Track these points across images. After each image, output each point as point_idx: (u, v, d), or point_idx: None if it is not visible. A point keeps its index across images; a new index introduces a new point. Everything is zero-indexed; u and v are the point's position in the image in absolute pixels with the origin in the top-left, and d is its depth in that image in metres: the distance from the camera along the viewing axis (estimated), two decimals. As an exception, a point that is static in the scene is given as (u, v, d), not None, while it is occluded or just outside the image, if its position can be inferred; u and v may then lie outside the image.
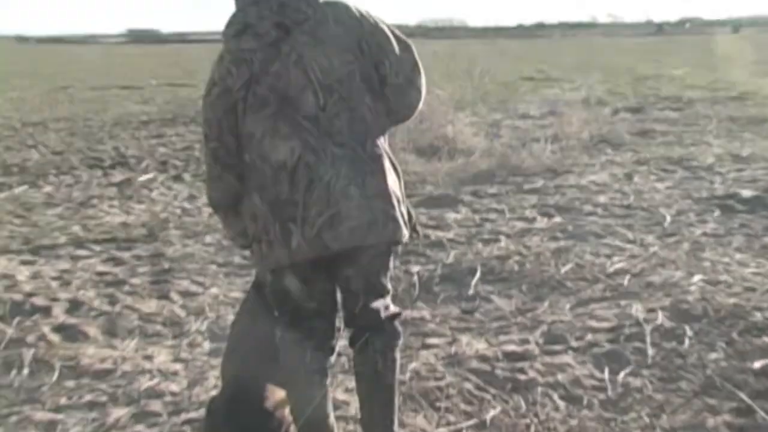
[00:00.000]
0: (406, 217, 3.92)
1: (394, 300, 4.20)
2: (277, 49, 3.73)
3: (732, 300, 6.39)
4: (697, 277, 6.96)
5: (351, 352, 4.57)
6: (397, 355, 4.08)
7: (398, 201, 3.86)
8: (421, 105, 4.05)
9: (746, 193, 10.06)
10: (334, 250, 3.73)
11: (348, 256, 3.82)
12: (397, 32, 3.91)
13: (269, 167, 3.73)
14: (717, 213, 9.22)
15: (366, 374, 4.06)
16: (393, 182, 3.86)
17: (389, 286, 4.05)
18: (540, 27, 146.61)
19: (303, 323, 3.98)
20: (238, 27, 3.81)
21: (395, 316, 4.09)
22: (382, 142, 3.89)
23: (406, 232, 3.89)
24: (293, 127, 3.71)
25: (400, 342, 4.11)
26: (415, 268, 7.34)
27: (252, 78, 3.74)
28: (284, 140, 3.71)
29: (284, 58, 3.72)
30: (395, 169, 3.93)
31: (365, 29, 3.81)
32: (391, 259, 4.01)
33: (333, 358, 4.19)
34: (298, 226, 3.69)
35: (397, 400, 4.17)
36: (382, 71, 3.85)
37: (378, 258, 3.90)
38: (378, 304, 4.00)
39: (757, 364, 5.27)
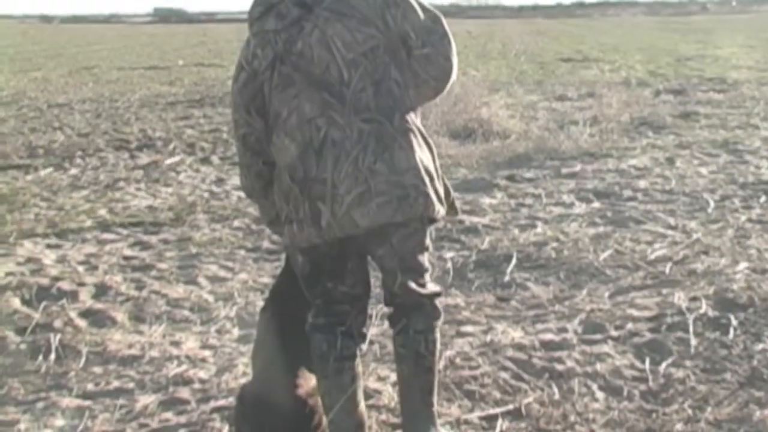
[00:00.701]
0: (441, 193, 3.94)
1: (433, 280, 4.22)
2: (299, 27, 3.78)
3: (779, 289, 6.37)
4: (742, 265, 6.93)
5: (382, 340, 4.60)
6: (438, 335, 4.11)
7: (430, 177, 3.86)
8: (453, 76, 4.01)
9: (794, 177, 10.00)
10: (364, 228, 3.76)
11: (379, 235, 3.84)
12: (425, 3, 3.91)
13: (296, 146, 3.78)
14: (763, 199, 9.16)
15: (407, 356, 4.07)
16: (425, 157, 3.88)
17: (427, 264, 4.06)
18: (579, 5, 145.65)
19: (334, 308, 4.02)
20: (261, 8, 3.89)
21: (435, 295, 4.10)
22: (413, 117, 3.92)
23: (440, 209, 3.91)
24: (319, 104, 3.75)
25: (441, 321, 4.14)
26: (448, 254, 7.34)
27: (276, 58, 3.80)
28: (310, 118, 3.75)
29: (306, 36, 3.77)
30: (428, 144, 3.95)
31: (389, 1, 3.82)
32: (427, 236, 4.01)
33: (365, 346, 4.22)
34: (328, 204, 3.73)
35: (437, 380, 4.19)
36: (409, 42, 3.84)
37: (411, 237, 3.90)
38: (416, 282, 4.00)
39: (805, 355, 5.25)
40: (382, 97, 3.79)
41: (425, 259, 4.04)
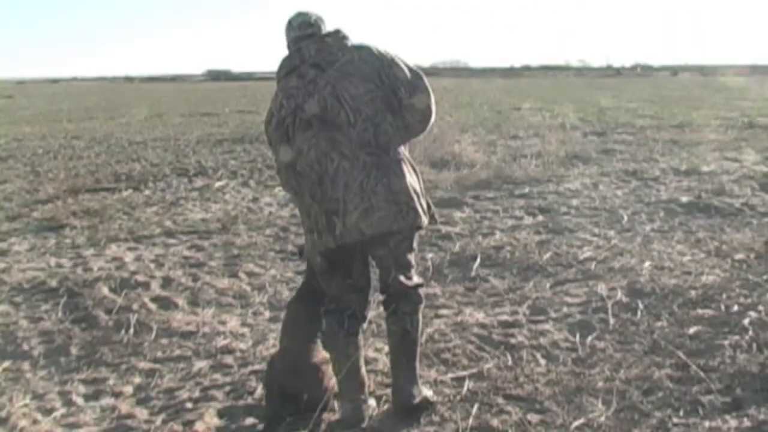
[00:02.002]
0: (425, 207, 4.03)
1: (417, 274, 4.24)
2: (315, 84, 3.87)
3: (673, 281, 6.36)
4: (647, 263, 6.92)
5: (378, 320, 4.59)
6: (420, 316, 4.18)
7: (417, 195, 3.96)
8: (432, 119, 4.10)
9: (684, 198, 9.97)
10: (368, 235, 3.86)
11: (379, 240, 3.93)
12: (411, 65, 4.01)
13: (315, 174, 3.86)
14: (662, 214, 9.14)
15: (396, 332, 4.13)
16: (413, 180, 3.98)
17: (414, 262, 4.15)
18: (526, 68, 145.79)
19: (344, 296, 4.07)
20: (286, 69, 4.02)
21: (419, 285, 4.18)
22: (403, 150, 4.01)
23: (425, 219, 4.00)
24: (332, 142, 3.83)
25: (423, 305, 4.19)
26: (429, 255, 7.31)
27: (297, 107, 3.88)
28: (325, 152, 3.84)
29: (321, 90, 3.85)
30: (414, 170, 4.04)
31: (384, 64, 3.92)
32: (415, 240, 4.11)
33: (365, 325, 4.29)
34: (340, 217, 3.83)
35: (419, 350, 4.24)
36: (399, 94, 3.93)
37: (403, 241, 4.01)
38: (405, 276, 4.08)
39: (692, 330, 5.27)
40: (380, 136, 3.87)
41: (413, 257, 4.13)
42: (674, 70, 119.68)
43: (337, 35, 4.01)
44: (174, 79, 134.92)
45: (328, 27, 4.10)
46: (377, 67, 3.90)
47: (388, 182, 3.85)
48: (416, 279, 4.18)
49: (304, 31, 4.01)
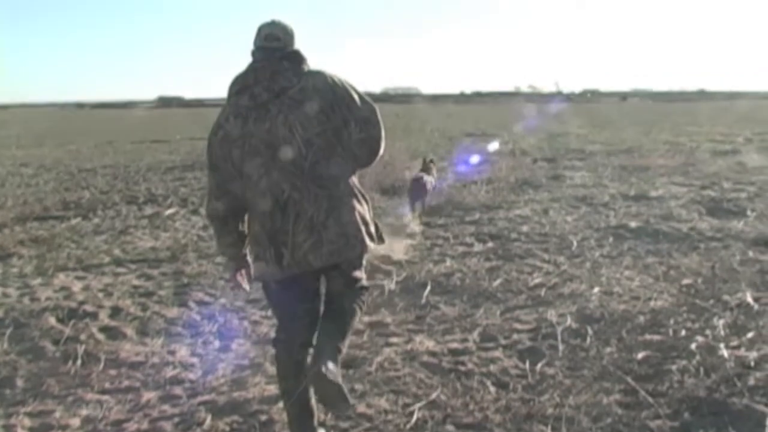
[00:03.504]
0: (373, 232, 4.02)
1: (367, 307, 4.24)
2: (267, 110, 3.80)
3: (622, 306, 6.43)
4: (596, 289, 6.98)
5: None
6: (362, 302, 4.16)
7: (366, 224, 3.95)
8: (381, 153, 4.07)
9: (633, 224, 10.10)
10: (317, 267, 3.84)
11: (331, 267, 3.92)
12: (365, 96, 3.97)
13: (265, 203, 3.80)
14: (611, 239, 9.23)
15: (334, 309, 4.06)
16: (362, 210, 3.96)
17: (363, 275, 4.15)
18: (477, 95, 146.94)
19: (295, 323, 4.02)
20: (238, 87, 3.91)
21: (364, 287, 4.19)
22: (353, 181, 3.98)
23: (372, 244, 3.99)
24: (282, 172, 3.78)
25: (366, 294, 4.21)
26: (380, 283, 7.29)
27: (247, 132, 3.81)
28: (276, 183, 3.78)
29: (273, 118, 3.79)
30: (364, 198, 4.03)
31: (337, 95, 3.86)
32: (364, 261, 4.12)
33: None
34: (289, 249, 3.79)
35: (349, 335, 4.09)
36: (350, 128, 3.89)
37: (353, 264, 4.03)
38: (353, 286, 4.10)
39: (640, 355, 5.31)
40: (330, 168, 3.84)
41: (362, 274, 4.15)
42: (623, 96, 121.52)
43: (295, 58, 3.94)
44: (125, 105, 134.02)
45: (295, 43, 4.02)
46: (330, 99, 3.85)
47: (338, 215, 3.83)
48: (363, 282, 4.17)
49: (269, 43, 3.93)
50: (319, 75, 3.91)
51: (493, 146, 22.46)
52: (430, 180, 11.35)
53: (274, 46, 3.91)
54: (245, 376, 5.22)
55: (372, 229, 4.02)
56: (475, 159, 18.50)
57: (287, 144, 3.78)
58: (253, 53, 3.96)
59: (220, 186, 3.97)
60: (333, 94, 3.86)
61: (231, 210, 3.99)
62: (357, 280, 4.10)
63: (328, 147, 3.84)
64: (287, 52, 3.94)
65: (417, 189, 11.14)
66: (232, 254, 4.12)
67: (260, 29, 3.97)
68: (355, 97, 3.92)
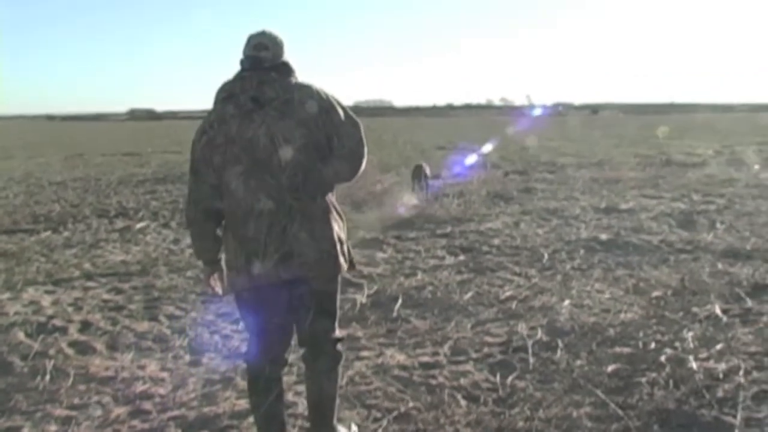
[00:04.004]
0: (346, 254, 3.99)
1: (340, 326, 4.21)
2: (250, 119, 3.78)
3: (593, 319, 6.47)
4: (567, 302, 7.02)
5: (300, 364, 4.57)
6: (340, 370, 4.16)
7: (341, 242, 3.93)
8: (362, 169, 4.03)
9: (603, 236, 10.18)
10: (285, 279, 3.81)
11: (302, 280, 3.86)
12: (350, 112, 3.95)
13: (241, 211, 3.80)
14: (582, 252, 9.29)
15: (314, 389, 4.12)
16: (338, 228, 3.94)
17: (336, 309, 4.10)
18: (450, 108, 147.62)
19: (267, 338, 4.01)
20: (225, 95, 3.91)
21: (339, 340, 4.13)
22: (331, 197, 3.97)
23: (345, 264, 3.96)
24: (261, 182, 3.77)
25: (342, 361, 4.17)
26: (351, 297, 7.28)
27: (228, 140, 3.80)
28: (253, 192, 3.77)
29: (256, 128, 3.77)
30: (340, 216, 4.01)
31: (322, 109, 3.83)
32: (338, 286, 4.06)
33: (286, 369, 4.24)
34: (260, 259, 3.77)
35: (337, 402, 4.20)
36: (332, 143, 3.87)
37: (327, 283, 3.96)
38: (326, 325, 4.03)
39: (610, 368, 5.34)
40: (309, 182, 3.82)
41: (336, 305, 4.09)
42: (594, 109, 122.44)
43: (284, 70, 3.93)
44: (96, 117, 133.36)
45: (284, 53, 4.00)
46: (314, 113, 3.83)
47: (311, 228, 3.81)
48: (338, 332, 4.13)
49: (257, 52, 3.91)
50: (306, 88, 3.89)
51: (471, 159, 22.62)
52: (427, 168, 14.91)
53: (263, 56, 3.90)
54: (216, 391, 5.19)
55: (345, 249, 4.00)
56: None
57: (267, 154, 3.77)
58: (242, 62, 3.95)
59: (200, 190, 3.96)
60: (318, 108, 3.84)
61: (209, 214, 3.96)
62: (330, 310, 4.06)
63: (308, 160, 3.82)
64: (276, 63, 3.92)
65: (418, 173, 14.66)
66: (208, 259, 4.08)
67: (250, 38, 3.97)
68: (341, 112, 3.90)
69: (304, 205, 3.81)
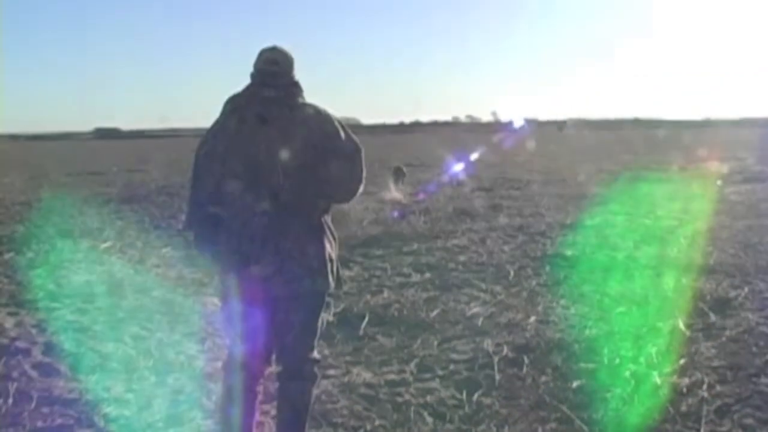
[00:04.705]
0: (335, 273, 4.04)
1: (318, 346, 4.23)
2: (253, 134, 3.85)
3: (558, 335, 6.52)
4: (532, 318, 7.07)
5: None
6: (313, 392, 4.20)
7: (331, 262, 3.99)
8: (359, 192, 4.10)
9: (569, 252, 10.27)
10: (274, 295, 3.87)
11: (290, 296, 3.91)
12: (352, 136, 4.01)
13: (237, 224, 3.85)
14: (548, 268, 9.37)
15: (285, 409, 4.12)
16: (329, 247, 3.99)
17: (317, 330, 4.13)
18: (417, 124, 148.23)
19: (245, 344, 4.02)
20: (231, 106, 4.00)
21: (315, 362, 4.15)
22: (326, 218, 4.04)
23: (333, 284, 4.01)
24: (259, 196, 3.83)
25: (317, 383, 4.23)
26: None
27: (228, 152, 3.88)
28: (250, 206, 3.83)
29: (257, 144, 3.84)
30: (333, 237, 4.07)
31: (324, 131, 3.90)
32: (324, 304, 4.11)
33: (261, 387, 4.24)
34: (249, 272, 3.83)
35: (307, 428, 4.20)
36: (331, 165, 3.91)
37: (313, 299, 4.00)
38: (306, 343, 4.06)
39: (575, 384, 5.39)
40: (305, 202, 3.89)
41: (317, 324, 4.12)
42: (560, 125, 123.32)
43: (292, 89, 3.99)
44: (61, 137, 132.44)
45: (294, 69, 4.06)
46: (317, 134, 3.88)
47: (303, 246, 3.85)
48: (315, 354, 4.15)
49: (268, 66, 3.97)
50: (310, 108, 3.97)
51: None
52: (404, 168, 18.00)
53: (273, 70, 3.96)
54: (181, 412, 5.16)
55: (335, 268, 4.04)
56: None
57: (266, 170, 3.82)
58: (252, 76, 4.02)
59: (199, 196, 4.04)
60: (320, 129, 3.90)
61: (208, 219, 4.01)
62: (310, 330, 4.07)
63: (306, 180, 3.87)
64: (287, 80, 3.99)
65: (397, 173, 17.63)
66: (213, 251, 4.08)
67: (261, 53, 4.04)
68: (342, 135, 3.95)
69: (299, 223, 3.87)
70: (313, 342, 4.10)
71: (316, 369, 4.14)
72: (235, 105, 3.98)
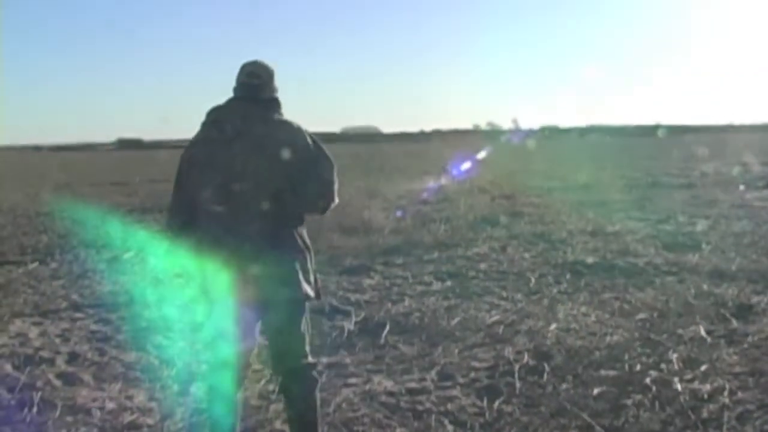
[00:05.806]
0: (312, 283, 4.10)
1: (323, 349, 4.26)
2: (229, 146, 3.96)
3: (579, 342, 6.51)
4: (553, 326, 7.05)
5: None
6: (317, 394, 4.23)
7: (305, 270, 4.05)
8: (332, 206, 4.18)
9: (590, 259, 10.25)
10: (246, 300, 3.92)
11: (269, 303, 3.99)
12: (326, 152, 4.11)
13: (214, 230, 3.95)
14: (568, 275, 9.35)
15: (292, 416, 4.23)
16: (303, 259, 4.05)
17: (305, 333, 4.17)
18: (437, 132, 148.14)
19: (229, 348, 4.07)
20: (213, 117, 4.11)
21: (312, 366, 4.21)
22: (300, 228, 4.10)
23: (310, 292, 4.06)
24: (231, 207, 3.92)
25: (318, 386, 4.24)
26: (339, 324, 7.32)
27: (207, 161, 4.00)
28: (224, 215, 3.93)
29: (234, 156, 3.94)
30: (308, 248, 4.11)
31: (298, 146, 4.00)
32: (306, 309, 4.14)
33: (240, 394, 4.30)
34: (226, 277, 3.89)
35: (320, 427, 4.27)
36: (304, 180, 4.01)
37: (293, 305, 4.05)
38: (296, 349, 4.12)
39: (596, 391, 5.38)
40: (280, 211, 3.96)
41: (303, 328, 4.15)
42: (581, 132, 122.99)
43: (270, 104, 4.11)
44: (84, 148, 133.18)
45: (274, 81, 4.18)
46: (291, 149, 3.97)
47: (279, 254, 3.93)
48: (310, 359, 4.20)
49: (250, 79, 4.09)
50: (286, 125, 4.08)
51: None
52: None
53: (255, 83, 4.09)
54: (204, 420, 5.18)
55: (312, 279, 4.10)
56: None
57: (240, 182, 3.92)
58: (235, 89, 4.14)
59: (180, 203, 4.16)
60: (294, 145, 4.00)
61: (186, 225, 4.13)
62: (298, 335, 4.12)
63: (279, 193, 3.95)
64: (267, 96, 4.12)
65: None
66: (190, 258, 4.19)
67: (243, 67, 4.16)
68: (315, 152, 4.07)
69: (273, 232, 3.95)
70: (304, 347, 4.16)
71: (314, 373, 4.21)
72: (215, 117, 4.09)
